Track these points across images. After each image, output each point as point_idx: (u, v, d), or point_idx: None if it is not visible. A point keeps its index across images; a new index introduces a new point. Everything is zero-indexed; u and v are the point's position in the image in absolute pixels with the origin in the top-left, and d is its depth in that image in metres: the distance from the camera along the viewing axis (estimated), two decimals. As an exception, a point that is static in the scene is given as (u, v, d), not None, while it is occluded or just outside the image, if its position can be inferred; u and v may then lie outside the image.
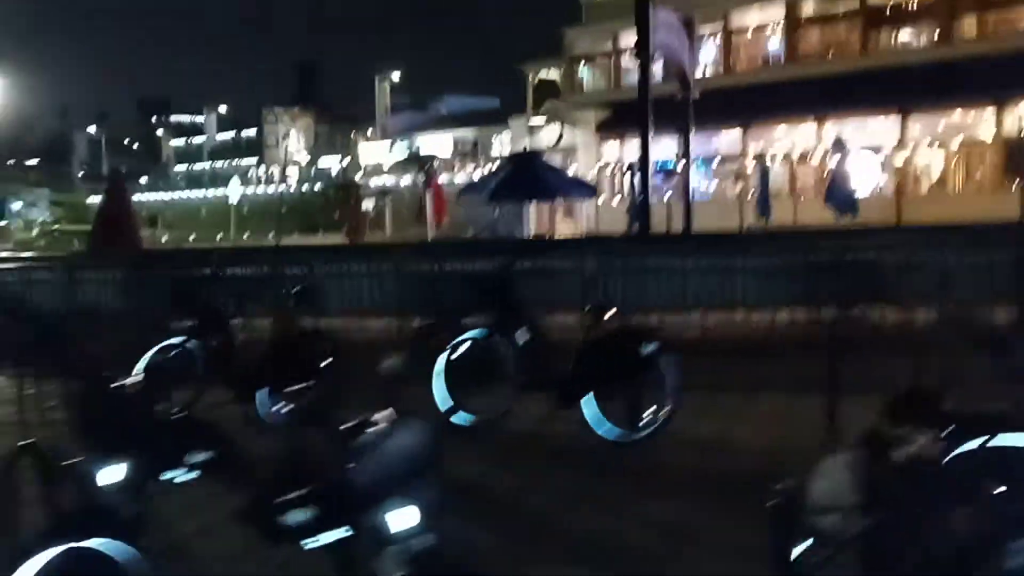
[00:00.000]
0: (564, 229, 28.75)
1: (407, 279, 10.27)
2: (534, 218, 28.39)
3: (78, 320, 12.15)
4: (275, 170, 79.43)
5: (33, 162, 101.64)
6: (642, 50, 15.05)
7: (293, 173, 76.84)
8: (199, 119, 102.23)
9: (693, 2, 26.22)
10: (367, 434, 2.43)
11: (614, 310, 7.39)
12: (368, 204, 50.22)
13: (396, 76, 72.06)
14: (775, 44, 32.44)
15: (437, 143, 71.52)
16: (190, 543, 4.96)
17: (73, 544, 2.78)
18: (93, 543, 2.82)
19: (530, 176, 17.45)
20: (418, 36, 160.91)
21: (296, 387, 7.88)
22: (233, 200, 50.31)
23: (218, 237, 48.08)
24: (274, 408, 7.74)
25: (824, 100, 28.07)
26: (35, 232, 50.39)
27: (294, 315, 8.03)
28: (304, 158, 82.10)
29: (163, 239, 49.16)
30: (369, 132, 77.46)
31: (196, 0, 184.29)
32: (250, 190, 56.00)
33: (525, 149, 20.69)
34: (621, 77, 33.55)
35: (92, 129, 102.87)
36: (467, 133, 71.73)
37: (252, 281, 9.23)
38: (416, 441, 2.41)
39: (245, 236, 47.06)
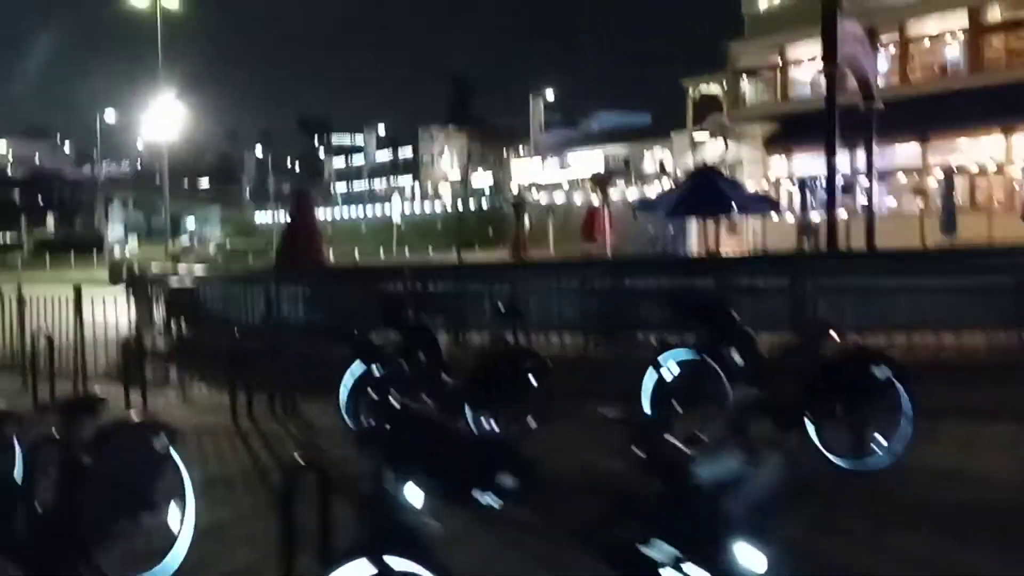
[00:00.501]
0: (729, 246, 28.03)
1: (608, 295, 10.07)
2: (697, 234, 27.83)
3: (279, 334, 12.67)
4: (429, 187, 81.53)
5: (204, 182, 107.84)
6: (829, 61, 14.48)
7: (446, 190, 78.53)
8: (358, 138, 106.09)
9: (869, 12, 25.19)
10: (710, 467, 2.28)
11: (833, 330, 7.03)
12: (526, 221, 50.68)
13: (550, 94, 72.50)
14: (955, 52, 30.81)
15: (588, 159, 71.68)
16: (493, 569, 4.82)
17: (371, 560, 2.76)
18: (393, 562, 2.78)
19: (712, 191, 17.02)
20: (570, 54, 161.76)
21: (506, 404, 7.85)
22: (396, 217, 51.71)
23: (381, 253, 49.47)
24: (483, 424, 7.74)
25: (1012, 110, 26.43)
26: (212, 248, 53.14)
27: (501, 331, 8.01)
28: (457, 175, 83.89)
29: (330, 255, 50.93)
30: (521, 149, 78.37)
31: (353, 24, 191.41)
32: (407, 207, 57.43)
33: (704, 164, 20.23)
34: (789, 90, 32.61)
35: (258, 150, 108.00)
36: (618, 149, 71.59)
37: (456, 297, 9.28)
38: (771, 477, 2.25)
39: (406, 252, 48.26)
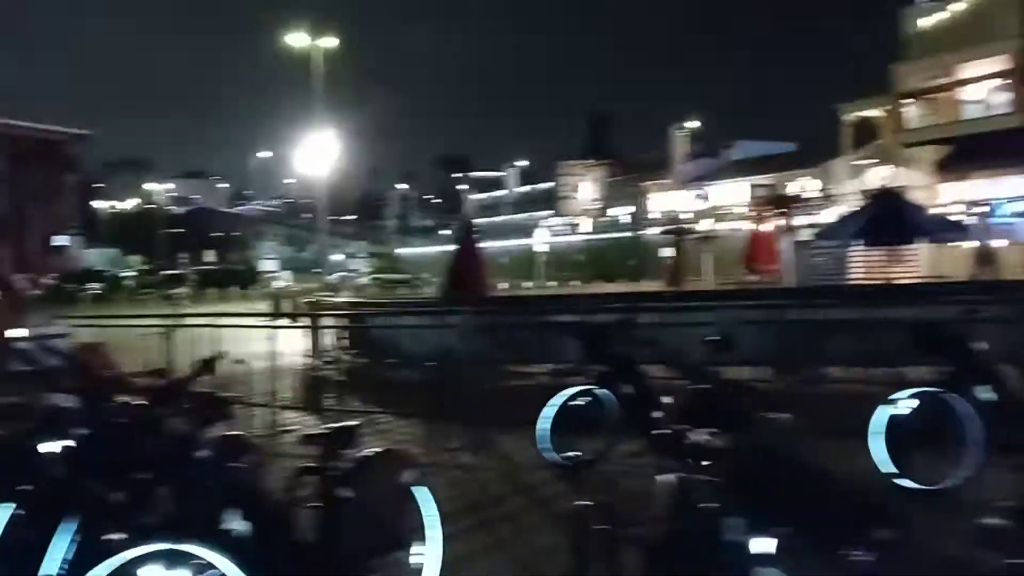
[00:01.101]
0: (896, 275, 26.58)
1: (804, 326, 9.54)
2: (859, 263, 26.51)
3: (462, 366, 12.61)
4: (569, 220, 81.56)
5: (349, 217, 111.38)
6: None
7: (585, 223, 78.32)
8: (495, 173, 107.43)
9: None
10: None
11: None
12: (668, 251, 49.88)
13: (691, 123, 71.64)
14: None
15: (730, 190, 70.24)
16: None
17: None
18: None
19: (896, 217, 16.05)
20: (708, 84, 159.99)
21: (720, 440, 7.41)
22: (540, 249, 51.89)
23: (526, 284, 49.65)
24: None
25: None
26: (363, 281, 54.44)
27: (711, 364, 7.60)
28: (596, 208, 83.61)
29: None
30: (661, 180, 77.53)
31: (490, 61, 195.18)
32: (548, 239, 57.55)
33: (885, 188, 19.17)
34: (958, 111, 30.95)
35: (401, 186, 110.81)
36: (763, 179, 69.87)
37: (659, 328, 8.94)
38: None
39: (550, 283, 48.24)
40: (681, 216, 66.87)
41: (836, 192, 42.80)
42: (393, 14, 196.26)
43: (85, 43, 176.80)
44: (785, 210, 29.17)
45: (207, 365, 4.77)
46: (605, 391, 7.97)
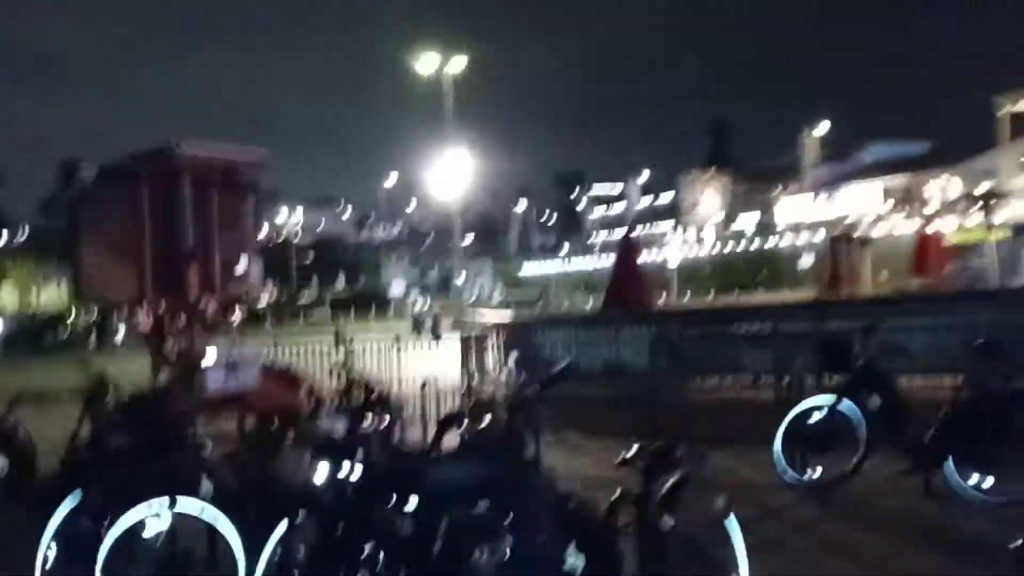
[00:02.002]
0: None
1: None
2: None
3: (643, 380, 12.15)
4: (693, 232, 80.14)
5: (469, 237, 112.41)
6: None
7: (710, 234, 76.78)
8: (613, 188, 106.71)
9: None
10: None
11: None
12: (807, 259, 48.33)
13: (822, 127, 69.52)
14: None
15: (863, 193, 67.64)
16: None
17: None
18: None
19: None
20: (832, 87, 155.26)
21: (1000, 457, 6.68)
22: (672, 264, 51.07)
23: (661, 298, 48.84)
24: (970, 482, 6.67)
25: None
26: (496, 299, 54.44)
27: (978, 374, 6.92)
28: (721, 218, 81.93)
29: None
30: (788, 187, 75.47)
31: (602, 73, 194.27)
32: (677, 252, 56.58)
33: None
34: None
35: (521, 204, 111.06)
36: (897, 180, 67.05)
37: (905, 333, 8.26)
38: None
39: (686, 297, 47.28)
40: (812, 222, 64.84)
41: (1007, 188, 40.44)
42: (504, 31, 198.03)
43: (212, 70, 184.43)
44: (987, 205, 27.41)
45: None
46: (848, 404, 7.35)
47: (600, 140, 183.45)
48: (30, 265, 62.37)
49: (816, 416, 7.39)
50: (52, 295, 61.76)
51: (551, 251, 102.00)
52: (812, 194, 71.08)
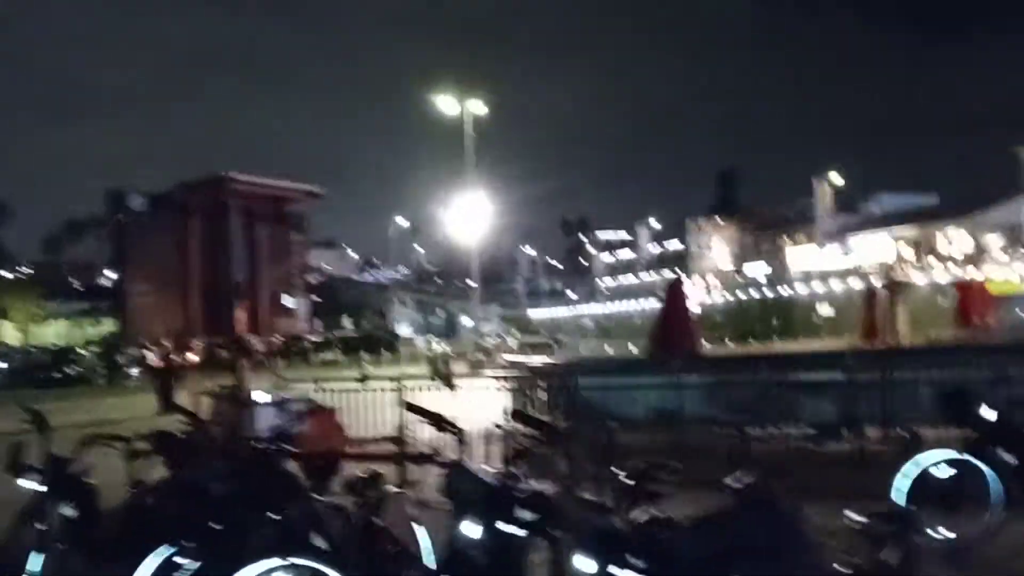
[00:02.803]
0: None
1: None
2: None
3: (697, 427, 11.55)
4: (700, 279, 79.77)
5: (471, 282, 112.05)
6: None
7: (717, 282, 76.36)
8: (619, 235, 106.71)
9: None
10: None
11: None
12: (825, 309, 47.87)
13: (835, 178, 69.54)
14: None
15: (873, 244, 67.42)
16: None
17: None
18: None
19: None
20: (839, 137, 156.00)
21: None
22: (695, 310, 50.27)
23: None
24: None
25: None
26: (513, 343, 53.40)
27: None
28: (728, 266, 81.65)
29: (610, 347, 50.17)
30: (797, 236, 75.33)
31: (608, 122, 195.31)
32: (695, 299, 55.89)
33: None
34: None
35: (527, 248, 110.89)
36: (907, 232, 66.86)
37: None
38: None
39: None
40: (825, 271, 64.52)
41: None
42: (511, 75, 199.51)
43: (213, 106, 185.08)
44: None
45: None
46: (975, 459, 6.75)
47: (605, 187, 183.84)
48: (35, 299, 61.70)
49: (942, 471, 6.79)
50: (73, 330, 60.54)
51: (557, 296, 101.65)
52: (824, 243, 70.88)
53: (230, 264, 61.16)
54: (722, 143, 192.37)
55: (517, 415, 7.17)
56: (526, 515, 3.64)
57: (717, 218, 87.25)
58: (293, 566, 4.10)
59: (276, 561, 4.06)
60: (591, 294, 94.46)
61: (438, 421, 4.59)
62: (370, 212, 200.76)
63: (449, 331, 76.91)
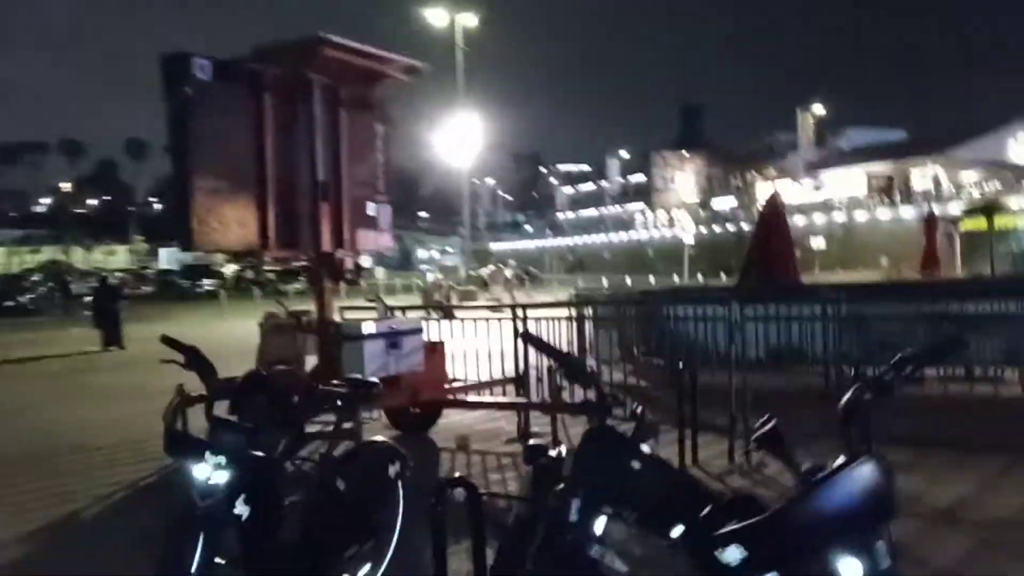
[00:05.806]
0: None
1: None
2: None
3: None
4: (662, 214, 77.99)
5: (423, 214, 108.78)
6: None
7: (682, 216, 74.84)
8: (579, 166, 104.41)
9: None
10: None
11: None
12: (818, 241, 46.47)
13: (818, 108, 67.93)
14: None
15: (845, 179, 66.10)
16: None
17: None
18: None
19: None
20: (808, 73, 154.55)
21: None
22: (688, 241, 48.90)
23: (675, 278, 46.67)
24: None
25: None
26: (509, 275, 50.45)
27: None
28: (693, 200, 79.89)
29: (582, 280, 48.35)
30: (766, 171, 73.83)
31: (576, 49, 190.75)
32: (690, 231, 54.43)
33: None
34: None
35: (486, 181, 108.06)
36: (879, 167, 65.62)
37: None
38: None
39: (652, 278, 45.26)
40: (797, 206, 63.20)
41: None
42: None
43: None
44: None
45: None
46: None
47: (562, 119, 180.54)
48: None
49: None
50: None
51: (517, 228, 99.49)
52: (802, 177, 69.27)
53: (313, 159, 55.54)
54: (686, 78, 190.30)
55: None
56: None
57: (684, 152, 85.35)
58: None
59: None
60: (552, 227, 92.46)
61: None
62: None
63: (404, 263, 74.15)
